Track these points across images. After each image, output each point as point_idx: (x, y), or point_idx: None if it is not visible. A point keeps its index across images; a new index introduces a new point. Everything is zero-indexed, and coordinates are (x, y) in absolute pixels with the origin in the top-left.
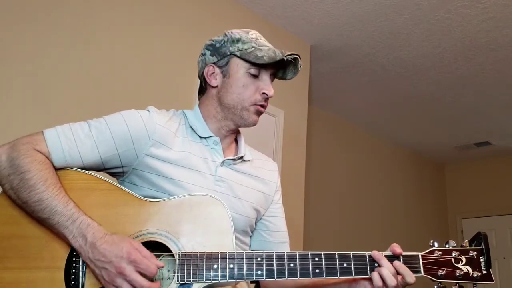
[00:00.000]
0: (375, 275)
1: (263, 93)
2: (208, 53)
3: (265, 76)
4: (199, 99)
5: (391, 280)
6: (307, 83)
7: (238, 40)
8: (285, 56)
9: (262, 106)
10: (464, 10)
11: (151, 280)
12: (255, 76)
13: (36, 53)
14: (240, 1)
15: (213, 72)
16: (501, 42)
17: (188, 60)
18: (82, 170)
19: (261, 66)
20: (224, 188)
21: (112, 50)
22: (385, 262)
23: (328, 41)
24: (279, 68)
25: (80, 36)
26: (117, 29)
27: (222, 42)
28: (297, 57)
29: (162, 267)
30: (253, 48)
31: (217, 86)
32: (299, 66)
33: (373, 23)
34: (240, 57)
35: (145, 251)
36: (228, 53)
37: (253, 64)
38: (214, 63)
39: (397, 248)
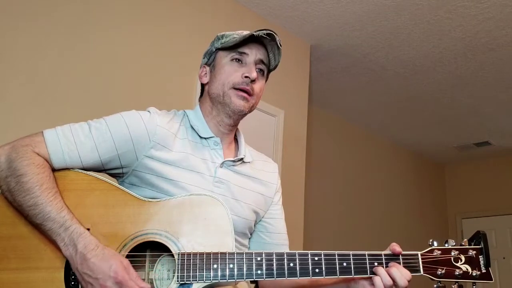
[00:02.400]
0: (376, 279)
1: (245, 77)
2: (202, 59)
3: (248, 61)
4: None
5: (402, 281)
6: (307, 83)
7: (222, 36)
8: (256, 32)
9: (243, 90)
10: (464, 10)
11: None
12: (238, 62)
13: (36, 53)
14: (240, 1)
15: (204, 72)
16: (501, 42)
17: (188, 60)
18: (82, 171)
19: (243, 53)
20: (223, 190)
21: (112, 50)
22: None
23: (328, 41)
24: (264, 55)
25: (80, 37)
26: (117, 29)
27: (211, 44)
28: (271, 32)
29: None
30: (233, 38)
31: (207, 83)
32: (278, 44)
33: (373, 23)
34: (222, 49)
35: (132, 271)
36: (214, 50)
37: (232, 49)
38: (205, 64)
39: (396, 247)
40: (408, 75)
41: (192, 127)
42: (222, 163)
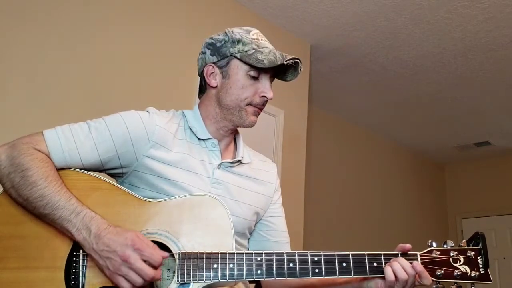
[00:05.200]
0: (388, 270)
1: (262, 96)
2: (208, 52)
3: (265, 79)
4: (199, 98)
5: (402, 274)
6: (307, 83)
7: (238, 41)
8: (286, 61)
9: (259, 108)
10: (464, 10)
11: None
12: (255, 78)
13: (36, 53)
14: (240, 1)
15: (213, 72)
16: (501, 42)
17: (188, 59)
18: (82, 171)
19: (261, 69)
20: (221, 191)
21: (112, 50)
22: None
23: (328, 41)
24: (280, 71)
25: (79, 36)
26: (117, 30)
27: (223, 42)
28: (298, 61)
29: (167, 257)
30: (253, 50)
31: (216, 87)
32: (299, 69)
33: (373, 23)
34: (240, 59)
35: (148, 241)
36: (228, 54)
37: (253, 66)
38: (214, 63)
39: (405, 245)
40: (408, 75)
41: (190, 128)
42: (220, 164)
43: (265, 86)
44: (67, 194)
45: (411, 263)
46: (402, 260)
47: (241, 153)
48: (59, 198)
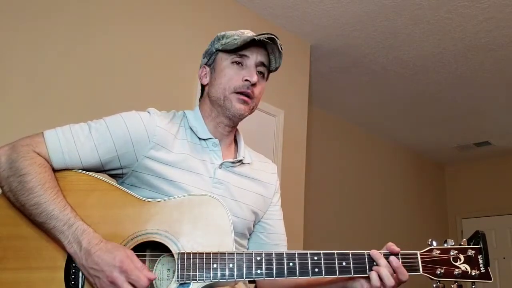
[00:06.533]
0: (373, 275)
1: (246, 80)
2: (203, 59)
3: (249, 64)
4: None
5: (389, 281)
6: (307, 83)
7: (222, 37)
8: (257, 36)
9: (244, 94)
10: (464, 10)
11: None
12: (239, 64)
13: (36, 53)
14: (240, 1)
15: (204, 72)
16: (501, 42)
17: (188, 60)
18: (82, 171)
19: (244, 55)
20: (222, 191)
21: (112, 51)
22: (383, 261)
23: (328, 41)
24: (265, 57)
25: (80, 37)
26: (117, 30)
27: (211, 44)
28: (273, 36)
29: (155, 279)
30: (234, 39)
31: (207, 84)
32: (279, 48)
33: (373, 23)
34: (223, 50)
35: (137, 261)
36: (214, 50)
37: (233, 52)
38: (205, 64)
39: (394, 247)
40: (408, 75)
41: (191, 128)
42: (221, 164)
43: (248, 70)
44: (62, 204)
45: (386, 258)
46: (385, 268)
47: (242, 153)
48: (53, 207)
